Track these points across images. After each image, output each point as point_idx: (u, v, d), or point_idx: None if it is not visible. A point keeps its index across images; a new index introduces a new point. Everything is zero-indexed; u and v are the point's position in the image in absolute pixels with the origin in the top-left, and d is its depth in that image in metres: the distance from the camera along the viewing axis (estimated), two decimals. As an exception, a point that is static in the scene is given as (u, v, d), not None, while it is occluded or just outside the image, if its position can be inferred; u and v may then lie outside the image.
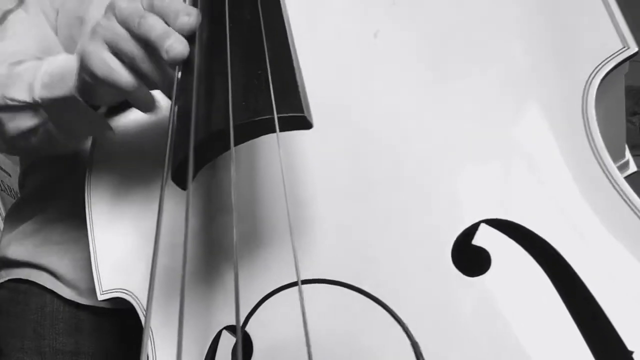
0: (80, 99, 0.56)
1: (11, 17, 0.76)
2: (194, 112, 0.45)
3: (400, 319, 0.42)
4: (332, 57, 0.58)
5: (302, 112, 0.44)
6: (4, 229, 0.88)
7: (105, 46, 0.51)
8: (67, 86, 0.57)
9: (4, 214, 1.26)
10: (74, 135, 0.63)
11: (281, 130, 0.44)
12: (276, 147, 0.45)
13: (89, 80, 0.53)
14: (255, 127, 0.45)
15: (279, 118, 0.43)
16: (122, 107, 0.62)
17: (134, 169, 0.61)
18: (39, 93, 0.60)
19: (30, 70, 0.61)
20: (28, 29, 0.75)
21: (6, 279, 0.81)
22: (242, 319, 0.47)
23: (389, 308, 0.42)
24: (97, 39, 0.51)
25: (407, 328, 0.41)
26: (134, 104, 0.55)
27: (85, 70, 0.53)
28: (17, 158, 1.39)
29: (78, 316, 0.77)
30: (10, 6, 0.76)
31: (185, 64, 0.49)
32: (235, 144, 0.45)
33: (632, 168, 0.66)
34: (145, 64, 0.50)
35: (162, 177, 0.42)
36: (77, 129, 0.63)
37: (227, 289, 0.54)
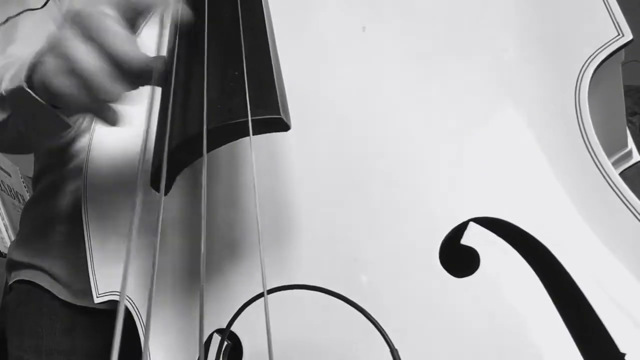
0: (28, 89, 0.53)
1: (21, 18, 0.75)
2: (170, 117, 0.44)
3: (379, 325, 0.41)
4: (320, 53, 0.57)
5: (279, 113, 0.43)
6: (17, 231, 0.90)
7: (60, 60, 0.47)
8: (20, 77, 0.54)
9: (4, 214, 1.28)
10: (38, 131, 0.60)
11: (256, 133, 0.43)
12: (257, 149, 0.44)
13: (37, 84, 0.51)
14: (231, 130, 0.44)
15: (253, 120, 0.42)
16: None
17: (127, 176, 0.61)
18: (4, 85, 0.57)
19: (14, 65, 0.59)
20: (36, 30, 0.75)
21: (15, 279, 0.82)
22: (225, 323, 0.47)
23: (367, 313, 0.41)
24: (54, 51, 0.48)
25: (385, 334, 0.40)
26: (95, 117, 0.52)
27: (35, 74, 0.50)
28: (17, 158, 1.42)
29: (74, 316, 0.78)
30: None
31: (162, 73, 0.48)
32: (212, 148, 0.44)
33: (636, 157, 0.64)
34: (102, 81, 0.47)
35: (137, 182, 0.42)
36: (38, 124, 0.59)
37: (216, 292, 0.53)
